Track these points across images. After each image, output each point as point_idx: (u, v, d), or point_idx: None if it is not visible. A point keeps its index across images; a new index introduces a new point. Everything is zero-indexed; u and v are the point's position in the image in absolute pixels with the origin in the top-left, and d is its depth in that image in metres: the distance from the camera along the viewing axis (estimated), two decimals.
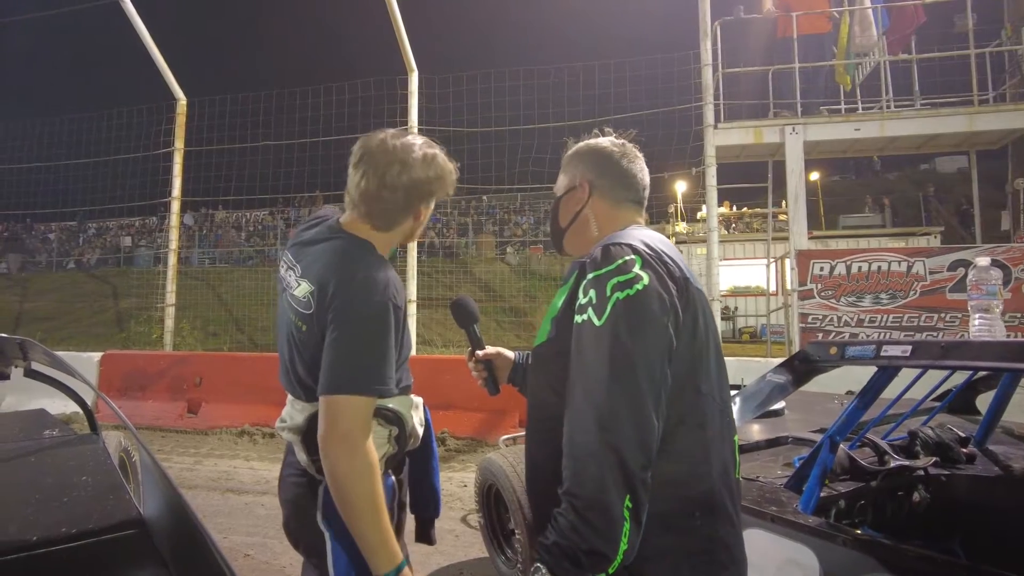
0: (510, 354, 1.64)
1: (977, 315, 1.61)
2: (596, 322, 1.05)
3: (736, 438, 1.22)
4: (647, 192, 1.35)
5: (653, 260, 1.10)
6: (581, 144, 1.38)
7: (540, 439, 1.21)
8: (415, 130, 7.12)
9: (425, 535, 1.65)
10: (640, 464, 0.99)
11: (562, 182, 1.38)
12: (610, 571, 0.98)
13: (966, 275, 1.70)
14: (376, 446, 1.33)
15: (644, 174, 1.34)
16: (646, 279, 1.07)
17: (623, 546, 0.97)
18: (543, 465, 1.17)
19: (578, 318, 1.09)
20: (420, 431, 1.50)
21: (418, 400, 1.53)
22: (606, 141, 1.35)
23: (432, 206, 1.48)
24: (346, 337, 1.26)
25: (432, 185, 1.41)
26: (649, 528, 1.01)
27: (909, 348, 1.45)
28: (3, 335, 2.06)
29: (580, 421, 1.02)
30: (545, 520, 1.06)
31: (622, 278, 1.06)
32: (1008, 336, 1.63)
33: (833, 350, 1.72)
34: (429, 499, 1.60)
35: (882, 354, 1.53)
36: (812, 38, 7.05)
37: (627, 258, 1.09)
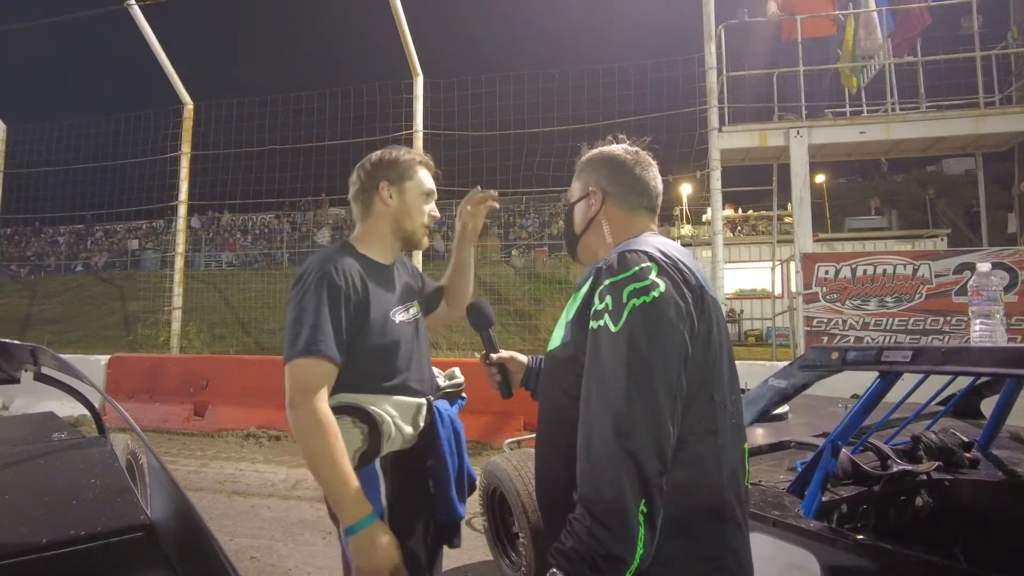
0: (523, 358, 1.65)
1: (978, 320, 1.61)
2: (612, 328, 1.05)
3: (746, 446, 1.22)
4: (660, 199, 1.36)
5: (669, 268, 1.11)
6: (595, 151, 1.39)
7: (553, 443, 1.21)
8: (420, 134, 7.16)
9: (443, 537, 1.66)
10: (656, 470, 0.99)
11: (576, 188, 1.39)
12: (627, 575, 0.98)
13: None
14: (349, 440, 1.44)
15: (657, 182, 1.35)
16: (662, 286, 1.07)
17: (639, 550, 0.97)
18: (555, 470, 1.17)
19: (594, 324, 1.09)
20: (408, 432, 1.53)
21: (417, 401, 1.56)
22: (619, 149, 1.36)
23: (406, 192, 1.62)
24: (289, 315, 1.44)
25: (383, 166, 1.62)
26: (660, 533, 1.02)
27: (910, 353, 1.45)
28: (15, 342, 2.09)
29: (597, 427, 1.03)
30: (556, 524, 1.07)
31: (638, 285, 1.07)
32: (1010, 340, 1.63)
33: (834, 355, 1.72)
34: (432, 502, 1.59)
35: (883, 359, 1.53)
36: (816, 41, 7.04)
37: (643, 265, 1.09)
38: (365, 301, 1.49)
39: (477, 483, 1.75)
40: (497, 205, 1.90)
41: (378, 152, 1.65)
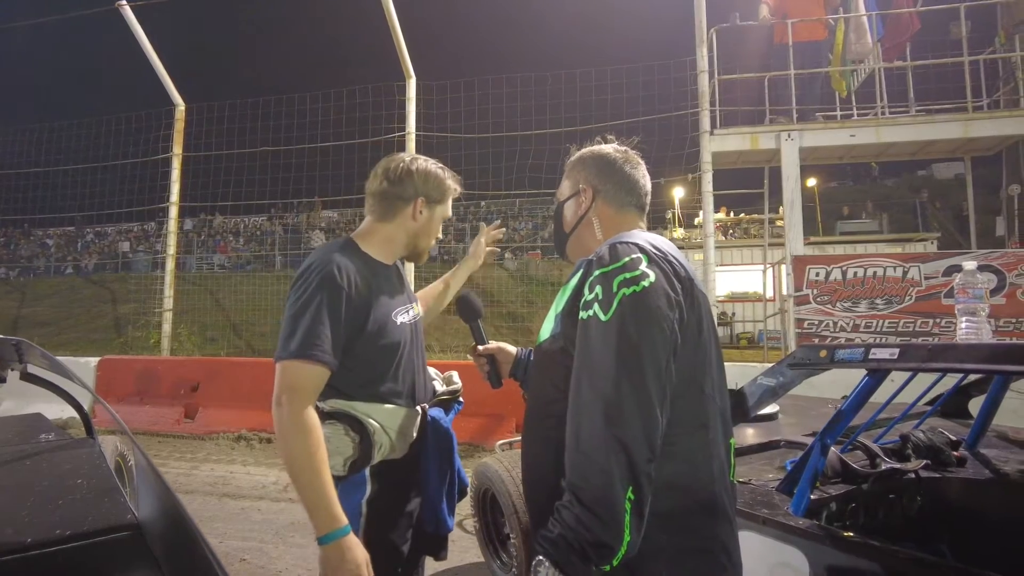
0: (512, 349, 1.68)
1: (964, 318, 1.63)
2: (602, 317, 1.06)
3: (732, 441, 1.23)
4: (648, 198, 1.38)
5: (659, 259, 1.12)
6: (585, 150, 1.40)
7: (541, 435, 1.21)
8: (413, 136, 7.15)
9: (428, 548, 1.66)
10: (645, 458, 1.00)
11: (565, 187, 1.40)
12: (614, 563, 0.98)
13: None
14: (340, 448, 1.42)
15: (646, 180, 1.37)
16: (653, 277, 1.08)
17: (626, 537, 0.97)
18: (543, 462, 1.17)
19: (583, 314, 1.10)
20: (400, 443, 1.52)
21: (410, 411, 1.55)
22: (609, 148, 1.38)
23: (435, 214, 1.63)
24: (286, 311, 1.41)
25: (428, 183, 1.60)
26: (649, 527, 1.02)
27: (897, 351, 1.46)
28: None
29: (586, 415, 1.03)
30: (542, 514, 1.07)
31: (629, 275, 1.08)
32: (995, 340, 1.64)
33: (823, 353, 1.73)
34: (419, 512, 1.60)
35: (871, 357, 1.54)
36: (808, 45, 7.06)
37: (634, 256, 1.10)
38: (367, 302, 1.47)
39: (468, 487, 1.74)
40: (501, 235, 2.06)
41: (423, 163, 1.62)
